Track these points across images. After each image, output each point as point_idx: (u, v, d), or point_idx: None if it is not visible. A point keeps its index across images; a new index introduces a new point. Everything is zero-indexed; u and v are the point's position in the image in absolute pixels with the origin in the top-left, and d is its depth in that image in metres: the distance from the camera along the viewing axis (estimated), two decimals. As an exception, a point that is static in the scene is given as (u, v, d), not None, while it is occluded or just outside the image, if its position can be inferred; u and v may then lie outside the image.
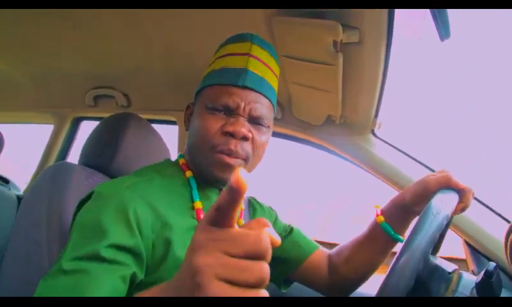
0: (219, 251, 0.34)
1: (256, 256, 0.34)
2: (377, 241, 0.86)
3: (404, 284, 0.54)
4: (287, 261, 0.93)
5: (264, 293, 0.34)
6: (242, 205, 0.88)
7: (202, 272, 0.33)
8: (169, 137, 1.25)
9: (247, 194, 0.95)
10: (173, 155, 1.26)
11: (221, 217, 0.35)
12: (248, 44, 0.77)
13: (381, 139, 1.26)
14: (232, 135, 0.70)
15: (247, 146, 0.72)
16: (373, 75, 0.98)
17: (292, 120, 1.33)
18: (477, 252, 1.10)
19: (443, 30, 0.67)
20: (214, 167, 0.72)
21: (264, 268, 0.34)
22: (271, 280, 0.95)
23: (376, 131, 1.24)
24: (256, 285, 0.33)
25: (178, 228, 0.67)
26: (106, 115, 1.54)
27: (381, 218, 0.85)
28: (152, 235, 0.64)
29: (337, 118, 1.20)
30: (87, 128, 1.83)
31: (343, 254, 0.92)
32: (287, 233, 0.96)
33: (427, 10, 0.68)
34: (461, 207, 0.74)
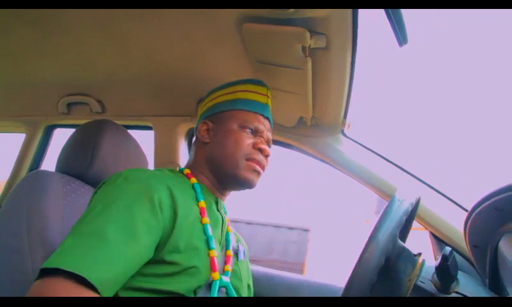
0: None
1: None
2: None
3: (375, 262, 0.60)
4: None
5: None
6: (230, 228, 0.97)
7: None
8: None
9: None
10: (150, 160, 1.28)
11: None
12: (266, 89, 1.01)
13: (351, 139, 1.32)
14: (261, 151, 0.92)
15: (266, 162, 0.95)
16: (341, 77, 1.03)
17: (266, 122, 1.37)
18: (441, 242, 1.18)
19: (401, 36, 0.73)
20: (246, 170, 0.91)
21: None
22: None
23: (345, 131, 1.31)
24: None
25: (186, 216, 0.78)
26: (80, 122, 1.53)
27: None
28: (168, 218, 0.76)
29: (308, 119, 1.25)
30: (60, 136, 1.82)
31: None
32: (248, 289, 1.01)
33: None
34: None
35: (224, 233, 0.92)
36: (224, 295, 0.83)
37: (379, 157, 1.28)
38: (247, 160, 0.91)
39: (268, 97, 1.00)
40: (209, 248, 0.81)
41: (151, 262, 0.73)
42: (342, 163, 1.31)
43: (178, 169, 0.98)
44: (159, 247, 0.74)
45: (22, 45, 1.24)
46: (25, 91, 1.56)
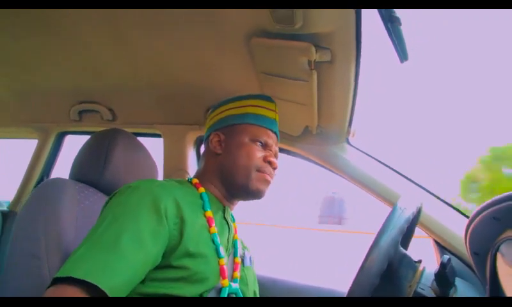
0: None
1: None
2: None
3: (378, 266, 0.63)
4: None
5: None
6: (237, 235, 1.01)
7: None
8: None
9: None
10: (159, 167, 1.32)
11: None
12: (274, 105, 1.06)
13: (355, 147, 1.35)
14: (270, 163, 0.98)
15: (274, 173, 1.00)
16: (345, 89, 1.06)
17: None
18: (444, 249, 1.20)
19: (402, 53, 0.76)
20: (257, 181, 0.96)
21: None
22: None
23: (350, 140, 1.34)
24: None
25: (192, 224, 0.82)
26: (91, 129, 1.58)
27: None
28: (173, 226, 0.80)
29: (314, 128, 1.28)
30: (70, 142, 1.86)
31: None
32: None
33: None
34: None
35: (231, 240, 0.95)
36: None
37: (383, 165, 1.31)
38: (260, 172, 0.96)
39: (276, 113, 1.05)
40: (219, 256, 0.85)
41: (160, 267, 0.77)
42: (347, 171, 1.33)
43: (187, 178, 1.01)
44: (167, 253, 0.78)
45: (35, 54, 1.27)
46: (38, 98, 1.60)
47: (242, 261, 0.99)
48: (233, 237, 0.98)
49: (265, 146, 1.00)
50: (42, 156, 1.79)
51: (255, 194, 0.98)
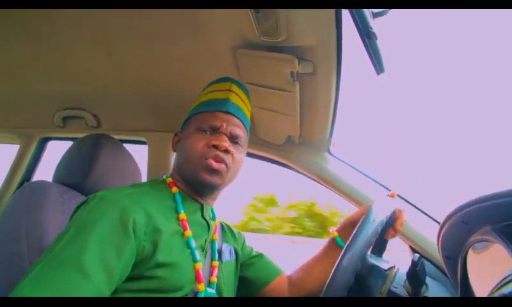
0: None
1: None
2: (331, 253, 1.01)
3: (345, 281, 0.65)
4: (256, 281, 1.04)
5: None
6: (217, 223, 0.99)
7: None
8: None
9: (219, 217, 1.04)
10: (143, 173, 1.33)
11: None
12: (229, 83, 0.98)
13: (336, 157, 1.40)
14: (216, 147, 0.88)
15: (228, 157, 0.90)
16: (326, 100, 1.11)
17: (256, 140, 1.45)
18: (420, 255, 1.25)
19: (378, 66, 0.81)
20: (202, 172, 0.87)
21: None
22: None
23: (331, 149, 1.39)
24: None
25: (165, 232, 0.79)
26: (75, 135, 1.58)
27: (335, 234, 1.02)
28: (143, 237, 0.75)
29: (296, 138, 1.33)
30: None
31: (301, 270, 1.06)
32: (256, 257, 1.07)
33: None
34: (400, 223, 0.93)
35: (209, 240, 0.92)
36: None
37: (363, 175, 1.36)
38: (204, 159, 0.88)
39: (230, 91, 0.96)
40: (194, 261, 0.82)
41: (133, 278, 0.74)
42: (328, 180, 1.37)
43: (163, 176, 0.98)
44: (139, 264, 0.74)
45: (21, 60, 1.28)
46: (22, 104, 1.60)
47: (220, 257, 0.95)
48: (212, 237, 0.94)
49: (213, 130, 0.91)
50: (23, 161, 1.76)
51: (206, 186, 0.90)
